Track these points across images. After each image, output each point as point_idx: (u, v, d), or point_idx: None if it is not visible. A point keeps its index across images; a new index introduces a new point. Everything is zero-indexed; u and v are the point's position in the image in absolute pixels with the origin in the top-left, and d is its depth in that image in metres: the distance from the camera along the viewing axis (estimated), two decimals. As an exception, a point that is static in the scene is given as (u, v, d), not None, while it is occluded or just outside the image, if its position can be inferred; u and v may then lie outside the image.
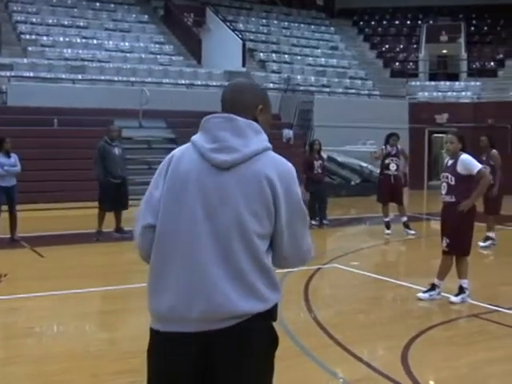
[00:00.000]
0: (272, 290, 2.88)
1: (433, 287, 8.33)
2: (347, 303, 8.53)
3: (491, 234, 12.72)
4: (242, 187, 2.77)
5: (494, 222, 12.80)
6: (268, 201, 2.79)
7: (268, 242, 2.89)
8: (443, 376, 5.86)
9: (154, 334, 2.90)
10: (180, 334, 2.79)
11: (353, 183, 24.50)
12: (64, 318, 7.67)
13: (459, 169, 8.00)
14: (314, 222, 15.26)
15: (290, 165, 2.92)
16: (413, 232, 14.12)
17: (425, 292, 8.36)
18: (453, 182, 8.05)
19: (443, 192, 8.22)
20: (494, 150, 12.40)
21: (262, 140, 2.89)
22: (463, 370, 5.96)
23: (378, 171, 14.81)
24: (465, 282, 8.25)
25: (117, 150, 12.95)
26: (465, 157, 8.06)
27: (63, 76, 23.36)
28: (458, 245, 8.13)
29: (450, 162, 8.21)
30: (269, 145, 2.90)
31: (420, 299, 8.31)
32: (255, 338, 2.82)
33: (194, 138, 2.92)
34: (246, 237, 2.77)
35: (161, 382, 2.90)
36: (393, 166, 14.04)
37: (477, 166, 8.03)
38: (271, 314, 2.89)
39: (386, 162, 14.10)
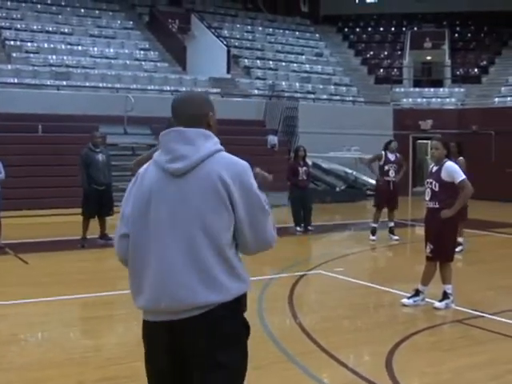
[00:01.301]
0: (235, 281, 3.13)
1: (417, 293, 8.38)
2: (332, 309, 8.54)
3: (460, 240, 12.69)
4: (198, 188, 3.08)
5: (463, 227, 12.76)
6: (223, 197, 3.08)
7: (231, 234, 3.16)
8: (427, 381, 5.89)
9: (143, 322, 3.31)
10: (154, 322, 3.19)
11: (337, 189, 24.56)
12: (48, 325, 7.64)
13: (443, 175, 8.05)
14: (298, 229, 15.30)
15: (241, 162, 3.20)
16: (396, 238, 14.20)
17: (409, 298, 8.40)
18: (437, 189, 8.09)
19: (427, 198, 8.27)
20: (461, 158, 12.44)
21: (212, 144, 3.18)
22: (447, 375, 5.99)
23: (376, 178, 14.81)
24: (449, 288, 8.30)
25: (100, 157, 12.92)
26: (450, 164, 8.11)
27: (48, 82, 23.29)
28: (441, 251, 8.18)
29: (435, 168, 8.25)
30: (220, 147, 3.20)
31: (404, 305, 8.35)
32: (220, 327, 3.10)
33: (155, 154, 3.27)
34: (209, 233, 3.07)
35: (148, 362, 3.35)
36: (392, 173, 14.13)
37: (460, 175, 8.06)
38: (238, 303, 3.16)
39: (386, 168, 14.17)
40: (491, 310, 8.25)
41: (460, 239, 12.50)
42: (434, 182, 8.15)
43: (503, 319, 7.85)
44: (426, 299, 8.39)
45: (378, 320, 8.07)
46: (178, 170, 3.10)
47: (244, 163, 3.20)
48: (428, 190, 8.25)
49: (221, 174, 3.07)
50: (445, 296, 8.28)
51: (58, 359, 6.32)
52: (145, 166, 3.32)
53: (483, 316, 8.00)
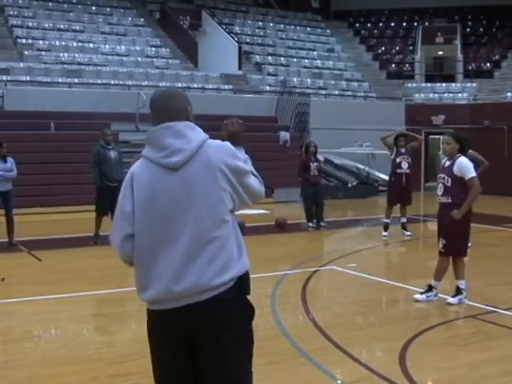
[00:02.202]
0: (240, 259, 3.29)
1: (430, 288, 8.35)
2: (345, 305, 8.53)
3: None
4: (198, 176, 3.23)
5: None
6: (221, 180, 3.26)
7: (232, 213, 3.36)
8: (440, 377, 5.87)
9: (150, 312, 3.36)
10: (164, 310, 3.26)
11: (349, 185, 24.51)
12: (62, 322, 7.67)
13: (456, 170, 8.00)
14: (311, 224, 15.29)
15: (226, 144, 3.39)
16: (409, 233, 14.16)
17: (422, 293, 8.38)
18: (449, 184, 8.05)
19: (439, 193, 8.22)
20: (471, 151, 12.37)
21: (198, 133, 3.34)
22: (460, 370, 5.97)
23: (389, 172, 14.76)
24: (462, 283, 8.27)
25: (112, 154, 12.96)
26: (462, 160, 8.06)
27: (60, 80, 23.33)
28: (454, 246, 8.15)
29: (448, 163, 8.21)
30: (205, 135, 3.35)
31: (417, 300, 8.32)
32: (227, 310, 3.22)
33: (144, 152, 3.39)
34: (214, 217, 3.23)
35: (155, 352, 3.40)
36: (404, 165, 14.07)
37: (470, 172, 8.00)
38: (242, 287, 3.30)
39: (398, 160, 14.13)
40: (504, 306, 8.22)
41: None
42: (446, 177, 8.10)
43: (517, 314, 7.83)
44: (439, 295, 8.36)
45: (391, 316, 8.05)
46: (176, 164, 3.23)
47: (225, 144, 3.39)
48: (440, 184, 8.20)
49: (215, 159, 3.25)
50: (458, 291, 8.25)
51: (72, 356, 6.35)
52: (136, 164, 3.42)
53: (496, 311, 7.97)
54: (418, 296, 8.36)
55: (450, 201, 8.06)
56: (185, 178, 3.24)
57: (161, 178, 3.27)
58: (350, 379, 5.76)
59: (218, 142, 3.39)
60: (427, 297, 8.31)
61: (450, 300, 8.19)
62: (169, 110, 3.37)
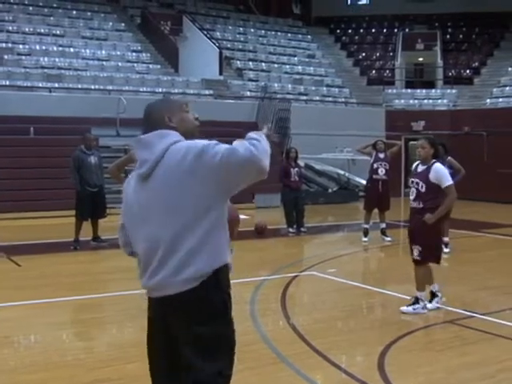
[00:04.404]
0: (211, 256, 3.36)
1: (416, 300, 8.13)
2: (325, 310, 8.54)
3: (447, 239, 12.69)
4: (163, 183, 3.36)
5: (448, 227, 12.76)
6: (188, 179, 3.31)
7: (212, 208, 3.36)
8: (419, 381, 5.89)
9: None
10: (151, 298, 3.57)
11: (330, 191, 24.60)
12: (40, 327, 7.63)
13: (432, 177, 7.88)
14: (291, 230, 15.32)
15: (194, 142, 3.37)
16: (389, 239, 14.23)
17: (408, 305, 8.15)
18: (423, 190, 7.93)
19: (412, 197, 8.09)
20: (449, 158, 12.48)
21: (166, 140, 3.42)
22: (439, 374, 6.00)
23: (367, 177, 14.84)
24: (434, 287, 8.26)
25: (92, 159, 12.90)
26: (439, 166, 7.97)
27: (40, 84, 23.23)
28: (430, 253, 8.05)
29: (422, 167, 8.08)
30: (173, 140, 3.42)
31: (403, 313, 8.08)
32: (200, 304, 3.36)
33: None
34: (180, 218, 3.34)
35: (148, 340, 3.74)
36: (381, 171, 14.15)
37: (448, 180, 7.92)
38: (218, 280, 3.39)
39: (375, 166, 14.21)
40: (482, 311, 8.27)
41: (446, 239, 12.54)
42: (420, 183, 7.96)
43: (494, 319, 7.87)
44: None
45: (370, 321, 8.09)
46: (143, 174, 3.45)
47: (196, 142, 3.37)
48: (413, 189, 8.06)
49: (176, 161, 3.33)
50: (433, 295, 8.25)
51: (51, 361, 6.31)
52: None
53: (474, 316, 8.02)
54: (404, 308, 8.14)
55: (421, 206, 7.95)
56: (152, 186, 3.42)
57: (136, 187, 3.54)
58: (329, 384, 5.78)
59: (187, 141, 3.43)
60: (414, 309, 8.09)
61: (429, 306, 8.17)
62: (146, 123, 3.57)
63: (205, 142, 3.36)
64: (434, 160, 8.04)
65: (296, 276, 10.56)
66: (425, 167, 8.03)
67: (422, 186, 7.95)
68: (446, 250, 12.48)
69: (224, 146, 3.28)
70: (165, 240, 3.38)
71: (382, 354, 6.46)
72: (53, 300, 8.79)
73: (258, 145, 3.24)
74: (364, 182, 22.35)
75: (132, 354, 6.42)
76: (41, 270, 11.07)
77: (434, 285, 8.28)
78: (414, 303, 8.17)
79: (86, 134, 13.68)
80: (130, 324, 7.75)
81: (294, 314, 8.19)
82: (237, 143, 3.28)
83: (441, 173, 7.94)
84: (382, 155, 14.26)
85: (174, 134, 3.47)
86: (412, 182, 8.14)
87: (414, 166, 8.40)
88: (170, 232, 3.36)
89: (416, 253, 8.03)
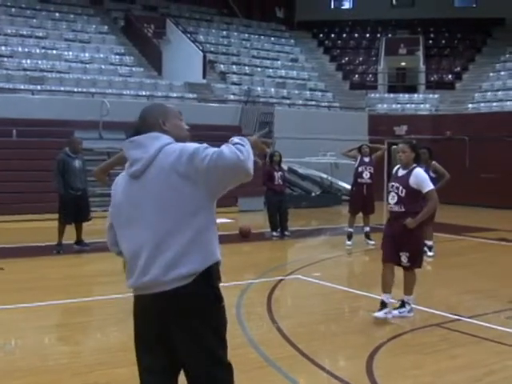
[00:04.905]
0: (201, 254, 3.48)
1: (403, 304, 8.10)
2: (310, 314, 8.52)
3: (430, 243, 12.75)
4: (154, 182, 3.49)
5: (432, 231, 12.81)
6: (179, 180, 3.43)
7: (203, 208, 3.49)
8: (407, 385, 5.90)
9: (134, 297, 3.72)
10: (140, 296, 3.62)
11: (313, 194, 24.63)
12: (23, 332, 7.53)
13: (412, 182, 7.80)
14: (275, 234, 15.31)
15: (187, 144, 3.52)
16: (373, 242, 14.21)
17: (395, 309, 8.10)
18: (403, 194, 7.83)
19: (392, 202, 7.96)
20: (434, 162, 12.54)
21: (159, 142, 3.55)
22: (428, 378, 6.00)
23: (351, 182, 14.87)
24: (410, 299, 8.14)
25: (77, 163, 12.76)
26: (419, 171, 7.88)
27: (22, 87, 23.11)
28: (417, 258, 7.99)
29: (402, 172, 7.98)
30: (166, 142, 3.57)
31: (393, 316, 8.00)
32: (193, 299, 3.48)
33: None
34: (170, 216, 3.45)
35: (138, 337, 3.77)
36: (366, 175, 14.16)
37: (428, 185, 7.85)
38: (208, 277, 3.50)
39: (360, 169, 14.23)
40: (468, 314, 8.31)
41: (430, 242, 12.59)
42: (400, 188, 7.86)
43: (480, 322, 7.90)
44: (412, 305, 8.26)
45: (357, 324, 8.07)
46: (135, 172, 3.56)
47: (189, 145, 3.50)
48: (393, 193, 7.93)
49: (166, 163, 3.46)
50: (403, 304, 8.10)
51: (35, 366, 6.23)
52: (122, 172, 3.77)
53: (460, 319, 8.04)
54: (394, 312, 8.03)
55: (403, 210, 7.84)
56: (143, 185, 3.54)
57: (126, 186, 3.64)
58: (317, 388, 5.75)
59: (180, 144, 3.57)
60: (400, 312, 8.05)
61: (377, 314, 7.92)
62: (140, 125, 3.70)
63: (196, 145, 3.48)
64: (414, 165, 7.96)
65: (281, 280, 10.54)
66: (405, 172, 7.94)
67: (401, 191, 7.85)
68: (429, 253, 12.54)
69: (212, 150, 3.41)
70: (154, 239, 3.47)
71: (369, 357, 6.45)
72: (35, 304, 8.69)
73: (242, 149, 3.39)
74: (347, 186, 22.47)
75: (119, 359, 6.37)
76: (24, 273, 10.97)
77: (411, 296, 8.14)
78: (400, 306, 8.14)
79: (72, 137, 13.57)
80: (117, 328, 7.69)
81: (280, 317, 8.15)
82: (224, 147, 3.40)
83: (421, 178, 7.86)
84: (367, 159, 14.29)
85: (166, 137, 3.60)
86: (392, 186, 8.01)
87: (394, 169, 8.28)
88: (159, 231, 3.47)
89: (405, 260, 7.94)
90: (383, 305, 7.98)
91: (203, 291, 3.50)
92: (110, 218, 3.84)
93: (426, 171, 12.07)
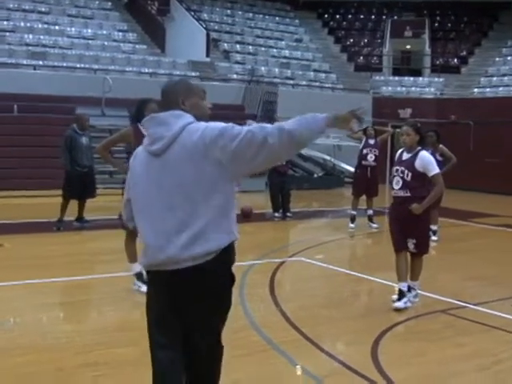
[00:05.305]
0: (220, 233, 3.50)
1: (408, 289, 7.81)
2: (314, 297, 8.40)
3: (435, 227, 12.61)
4: (177, 160, 3.46)
5: (437, 215, 12.68)
6: (202, 158, 3.41)
7: (224, 187, 3.51)
8: (413, 372, 5.77)
9: (148, 273, 3.74)
10: (155, 272, 3.62)
11: (315, 176, 24.49)
12: (25, 310, 7.42)
13: (418, 165, 7.59)
14: (277, 215, 15.19)
15: (210, 124, 3.50)
16: (376, 225, 14.12)
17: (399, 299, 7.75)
18: (408, 178, 7.61)
19: (396, 187, 7.75)
20: (441, 146, 12.41)
21: (182, 121, 3.54)
22: (433, 365, 5.88)
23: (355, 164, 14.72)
24: (416, 284, 7.95)
25: (84, 140, 12.66)
26: (425, 154, 7.68)
27: (24, 62, 22.91)
28: (424, 244, 7.82)
29: (407, 155, 7.76)
30: (189, 121, 3.55)
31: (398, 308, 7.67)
32: (205, 278, 3.50)
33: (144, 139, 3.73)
34: (192, 196, 3.44)
35: (150, 309, 3.74)
36: (371, 157, 14.03)
37: (434, 168, 7.64)
38: (225, 255, 3.54)
39: (364, 151, 14.10)
40: (474, 301, 8.18)
41: (434, 227, 12.44)
42: (406, 171, 7.64)
43: (487, 310, 7.78)
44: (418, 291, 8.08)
45: (361, 309, 7.98)
46: (157, 151, 3.53)
47: (214, 125, 3.47)
48: (398, 178, 7.72)
49: (193, 141, 3.44)
50: (405, 292, 7.77)
51: (35, 344, 6.13)
52: (139, 147, 3.77)
53: (466, 307, 7.92)
54: (398, 304, 7.67)
55: (408, 194, 7.63)
56: (164, 163, 3.50)
57: (146, 163, 3.61)
58: (321, 373, 5.63)
59: (204, 123, 3.54)
60: (404, 303, 7.70)
61: (397, 304, 7.65)
62: (162, 102, 3.71)
63: (222, 124, 3.46)
64: (419, 147, 7.75)
65: (284, 261, 10.44)
66: (410, 155, 7.72)
67: (407, 175, 7.64)
68: (434, 237, 12.41)
69: (242, 130, 3.39)
70: (172, 218, 3.47)
71: (374, 342, 6.34)
72: (35, 281, 8.54)
73: (283, 131, 3.34)
74: (350, 168, 22.36)
75: (118, 339, 6.29)
76: (24, 250, 10.83)
77: (417, 282, 7.94)
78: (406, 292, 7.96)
79: (80, 114, 13.45)
80: (115, 307, 7.58)
81: (283, 300, 8.02)
82: (256, 127, 3.39)
83: (427, 161, 7.66)
84: (371, 141, 14.14)
85: (189, 116, 3.59)
86: (397, 170, 7.79)
87: (398, 153, 8.03)
88: (178, 210, 3.46)
89: (411, 246, 7.73)
90: (401, 294, 7.74)
91: (220, 270, 3.53)
92: (127, 193, 3.88)
93: (433, 154, 12.01)
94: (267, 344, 6.29)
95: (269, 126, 3.40)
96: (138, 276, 7.91)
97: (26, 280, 8.54)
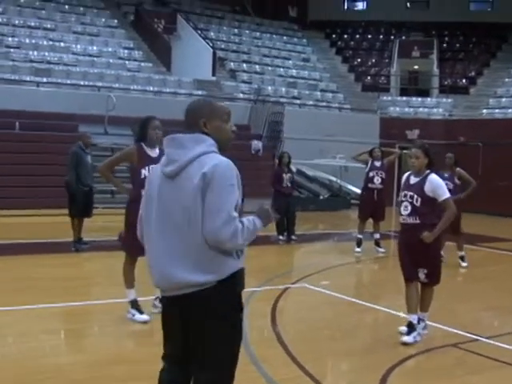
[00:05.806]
0: (221, 264, 3.58)
1: (418, 321, 7.37)
2: (317, 329, 7.97)
3: (462, 253, 12.37)
4: (186, 187, 3.52)
5: (463, 240, 12.40)
6: (201, 192, 3.48)
7: None
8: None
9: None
10: (163, 297, 3.79)
11: (321, 197, 24.12)
12: (6, 339, 7.03)
13: (427, 190, 7.15)
14: (281, 238, 14.82)
15: (223, 161, 3.56)
16: (382, 250, 13.74)
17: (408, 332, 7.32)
18: (418, 204, 7.16)
19: (404, 213, 7.29)
20: (458, 168, 12.08)
21: (201, 147, 3.59)
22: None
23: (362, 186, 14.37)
24: (426, 316, 7.53)
25: (89, 158, 12.44)
26: (434, 177, 7.23)
27: (28, 78, 22.67)
28: (436, 273, 7.36)
29: (415, 179, 7.32)
30: (208, 149, 3.60)
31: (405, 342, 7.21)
32: (213, 303, 3.58)
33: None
34: (196, 226, 3.49)
35: (164, 326, 3.89)
36: (377, 180, 13.64)
37: (445, 193, 7.20)
38: (231, 283, 3.63)
39: (371, 174, 13.71)
40: (487, 334, 7.74)
41: (462, 253, 12.19)
42: (415, 196, 7.18)
43: (500, 344, 7.34)
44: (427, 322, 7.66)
45: (367, 342, 7.51)
46: (170, 173, 3.60)
47: (225, 163, 3.55)
48: (406, 203, 7.25)
49: (201, 173, 3.48)
50: (415, 325, 7.32)
51: (17, 379, 5.70)
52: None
53: (478, 340, 7.49)
54: (407, 338, 7.23)
55: (418, 221, 7.18)
56: (175, 187, 3.57)
57: (160, 183, 3.67)
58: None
59: (218, 157, 3.58)
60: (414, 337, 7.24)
61: (406, 339, 7.18)
62: (185, 123, 3.71)
63: (224, 182, 3.51)
64: (428, 171, 7.31)
65: (287, 288, 10.02)
66: (418, 179, 7.28)
67: (416, 200, 7.19)
68: (463, 263, 12.19)
69: (224, 214, 3.49)
70: (178, 244, 3.55)
71: (381, 380, 5.92)
72: (24, 307, 8.11)
73: (238, 242, 3.58)
74: (356, 189, 21.98)
75: (108, 375, 5.88)
76: (16, 272, 10.40)
77: (426, 313, 7.54)
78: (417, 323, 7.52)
79: (83, 132, 13.20)
80: (109, 339, 7.19)
81: (285, 332, 7.60)
82: (238, 231, 3.56)
83: (437, 184, 7.21)
84: (378, 163, 13.75)
85: (209, 143, 3.63)
86: (405, 195, 7.33)
87: (404, 177, 7.54)
88: (183, 237, 3.53)
89: (422, 276, 7.31)
90: (411, 326, 7.27)
91: (224, 297, 3.61)
92: (141, 209, 3.89)
93: (451, 178, 11.66)
94: (267, 381, 5.88)
95: (240, 238, 3.56)
96: (133, 304, 7.57)
97: (13, 306, 8.09)
